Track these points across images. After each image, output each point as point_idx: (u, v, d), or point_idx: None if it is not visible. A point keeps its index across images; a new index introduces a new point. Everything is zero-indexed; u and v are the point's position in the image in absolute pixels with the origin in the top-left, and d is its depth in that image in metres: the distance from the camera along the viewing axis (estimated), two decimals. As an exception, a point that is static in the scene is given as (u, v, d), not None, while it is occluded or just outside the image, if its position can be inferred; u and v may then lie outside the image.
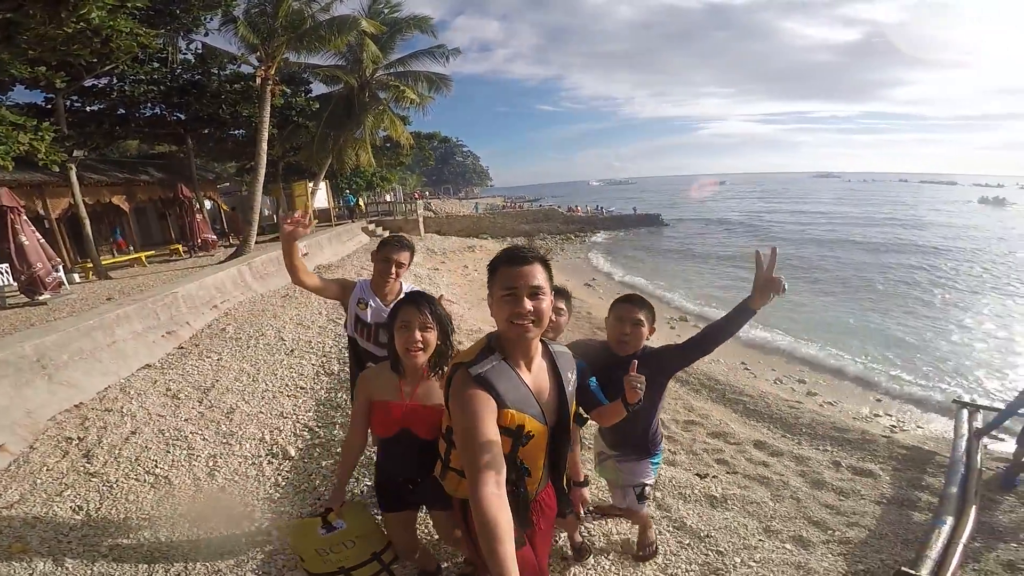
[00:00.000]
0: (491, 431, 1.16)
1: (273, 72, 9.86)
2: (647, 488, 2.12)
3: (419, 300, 1.62)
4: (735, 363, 7.37)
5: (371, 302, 2.23)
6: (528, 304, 1.21)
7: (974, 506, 2.68)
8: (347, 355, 2.70)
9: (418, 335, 1.58)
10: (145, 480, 2.73)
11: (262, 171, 10.33)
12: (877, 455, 4.02)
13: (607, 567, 2.21)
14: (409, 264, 2.27)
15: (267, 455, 2.98)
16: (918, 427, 5.57)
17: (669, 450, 3.63)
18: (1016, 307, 11.53)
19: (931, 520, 2.58)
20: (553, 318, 1.82)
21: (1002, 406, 3.84)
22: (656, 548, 2.34)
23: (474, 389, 1.20)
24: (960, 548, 2.28)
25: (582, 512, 2.02)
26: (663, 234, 27.66)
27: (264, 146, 10.11)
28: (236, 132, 14.61)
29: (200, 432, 3.21)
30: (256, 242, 10.77)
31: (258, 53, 9.99)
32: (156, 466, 2.86)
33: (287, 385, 3.98)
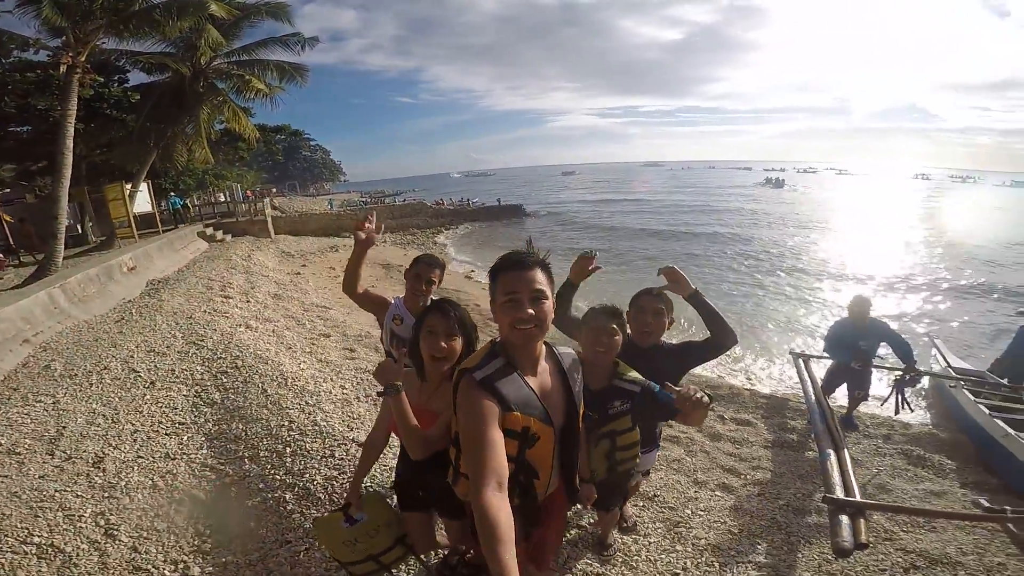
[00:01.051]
0: (494, 435, 1.18)
1: (84, 59, 8.17)
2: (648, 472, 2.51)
3: (446, 308, 1.65)
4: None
5: (405, 318, 2.34)
6: (530, 309, 1.23)
7: (845, 436, 3.35)
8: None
9: (443, 342, 1.61)
10: (27, 552, 2.27)
11: (67, 174, 8.50)
12: (747, 406, 4.99)
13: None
14: (440, 281, 2.38)
15: (172, 503, 2.66)
16: (769, 377, 6.80)
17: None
18: (798, 281, 14.67)
19: (819, 456, 3.04)
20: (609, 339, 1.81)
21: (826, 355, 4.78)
22: (636, 522, 2.68)
23: (478, 393, 1.22)
24: (851, 472, 2.73)
25: (589, 506, 2.14)
26: (524, 224, 28.95)
27: (69, 144, 8.35)
28: (20, 129, 11.76)
29: (69, 488, 2.73)
30: (63, 257, 8.89)
31: (64, 37, 8.21)
32: (31, 535, 2.37)
33: (160, 422, 3.51)
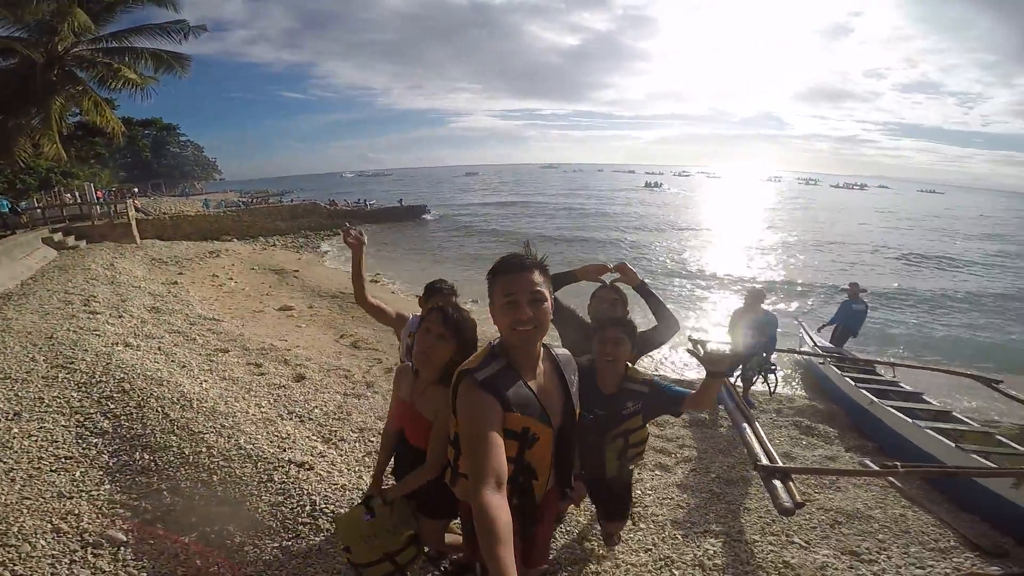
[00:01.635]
0: (494, 435, 1.19)
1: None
2: None
3: (450, 316, 1.70)
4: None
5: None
6: (528, 310, 1.25)
7: (752, 410, 3.87)
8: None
9: (430, 343, 1.69)
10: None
11: None
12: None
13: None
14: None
15: (87, 547, 2.38)
16: (672, 363, 7.62)
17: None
18: (684, 279, 16.78)
19: (736, 430, 3.30)
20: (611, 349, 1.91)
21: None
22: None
23: (479, 394, 1.24)
24: (767, 441, 2.97)
25: (580, 504, 2.28)
26: (428, 228, 28.42)
27: None
28: None
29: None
30: None
31: None
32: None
33: (41, 458, 3.10)
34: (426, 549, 1.99)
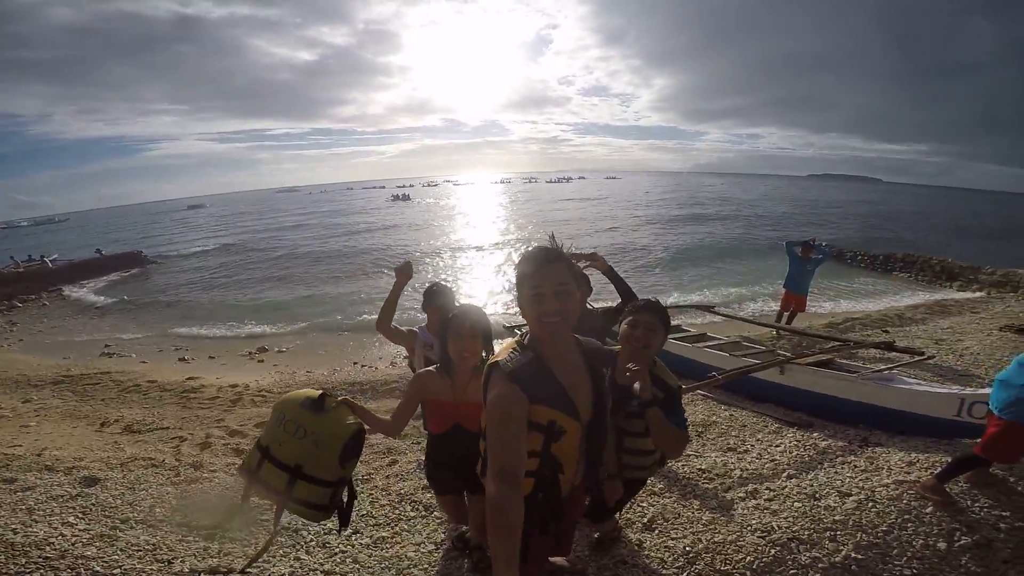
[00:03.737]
0: (516, 428, 1.19)
1: None
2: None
3: (471, 315, 1.87)
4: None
5: (435, 344, 2.60)
6: (555, 303, 1.25)
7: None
8: None
9: (469, 343, 1.85)
10: None
11: None
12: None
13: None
14: (451, 304, 2.65)
15: None
16: None
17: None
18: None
19: None
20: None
21: None
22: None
23: (506, 385, 1.23)
24: None
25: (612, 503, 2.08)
26: (151, 277, 22.82)
27: None
28: None
29: None
30: None
31: None
32: None
33: None
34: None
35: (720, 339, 6.05)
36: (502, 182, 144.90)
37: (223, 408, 5.79)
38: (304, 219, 48.47)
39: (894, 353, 5.44)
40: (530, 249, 1.33)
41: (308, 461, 1.66)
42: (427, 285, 2.81)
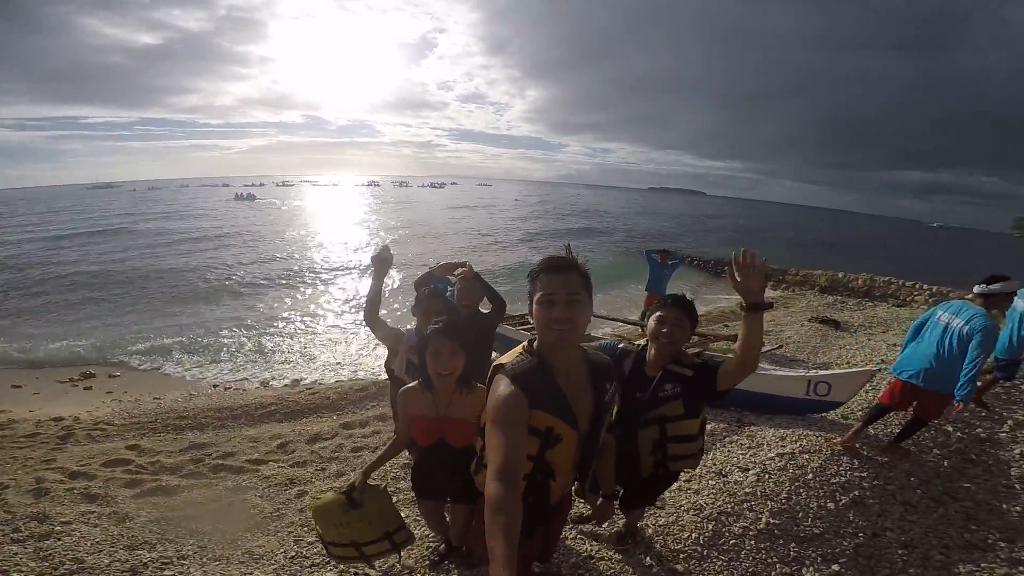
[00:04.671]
0: (516, 429, 1.20)
1: None
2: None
3: (450, 331, 1.83)
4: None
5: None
6: (565, 311, 1.26)
7: None
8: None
9: (447, 362, 1.82)
10: None
11: None
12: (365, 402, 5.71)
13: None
14: (444, 311, 2.57)
15: None
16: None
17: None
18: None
19: None
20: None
21: None
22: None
23: (508, 387, 1.25)
24: None
25: (603, 524, 2.09)
26: None
27: None
28: None
29: None
30: None
31: None
32: None
33: None
34: (401, 553, 2.16)
35: (600, 338, 6.50)
36: (370, 184, 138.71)
37: (50, 446, 4.73)
38: (115, 222, 36.95)
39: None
40: (548, 256, 1.36)
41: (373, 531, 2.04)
42: (423, 289, 2.79)
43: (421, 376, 1.95)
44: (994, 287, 3.25)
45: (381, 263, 2.42)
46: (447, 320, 1.93)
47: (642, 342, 2.07)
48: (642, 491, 2.14)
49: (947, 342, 3.20)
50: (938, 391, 3.20)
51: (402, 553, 2.25)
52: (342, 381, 6.81)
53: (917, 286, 13.53)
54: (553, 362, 1.33)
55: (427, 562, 2.42)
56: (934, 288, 13.25)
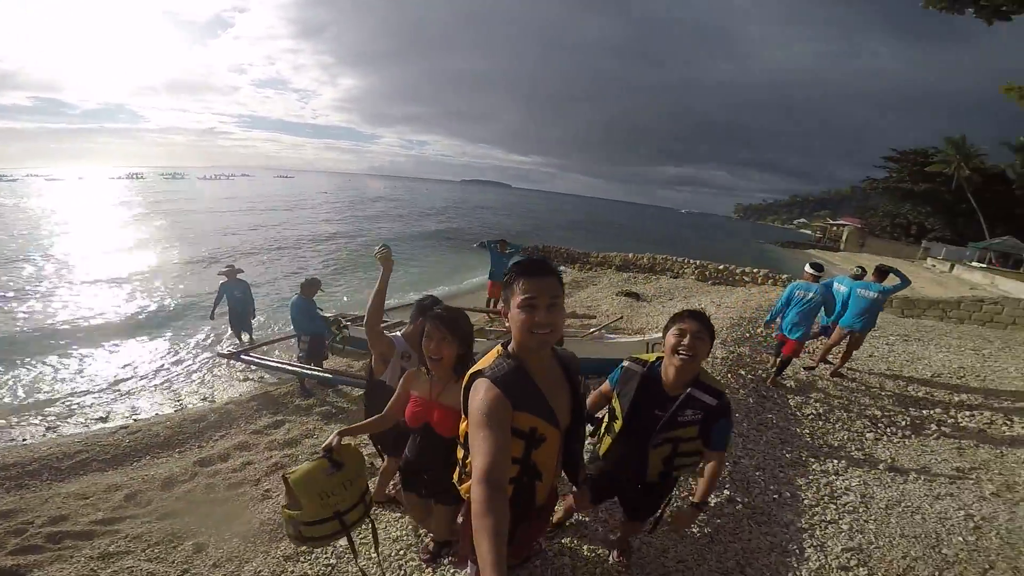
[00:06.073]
0: (500, 433, 1.20)
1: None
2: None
3: (445, 317, 1.87)
4: None
5: (413, 355, 2.44)
6: (547, 315, 1.26)
7: None
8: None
9: (435, 346, 1.85)
10: None
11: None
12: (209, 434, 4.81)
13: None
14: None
15: None
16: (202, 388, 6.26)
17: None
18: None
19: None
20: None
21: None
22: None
23: (490, 391, 1.25)
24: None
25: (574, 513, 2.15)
26: None
27: None
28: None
29: None
30: None
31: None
32: None
33: None
34: (371, 513, 2.00)
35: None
36: (131, 177, 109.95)
37: None
38: None
39: (589, 320, 7.26)
40: (527, 259, 1.36)
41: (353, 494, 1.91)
42: (422, 296, 2.69)
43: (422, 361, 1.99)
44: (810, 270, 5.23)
45: (386, 263, 2.36)
46: (446, 308, 1.99)
47: (653, 357, 1.98)
48: (647, 496, 2.09)
49: (804, 308, 4.90)
50: (799, 339, 4.92)
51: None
52: (163, 415, 5.48)
53: (686, 261, 16.72)
54: (531, 363, 1.35)
55: (418, 560, 2.38)
56: (699, 262, 16.53)
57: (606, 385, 2.05)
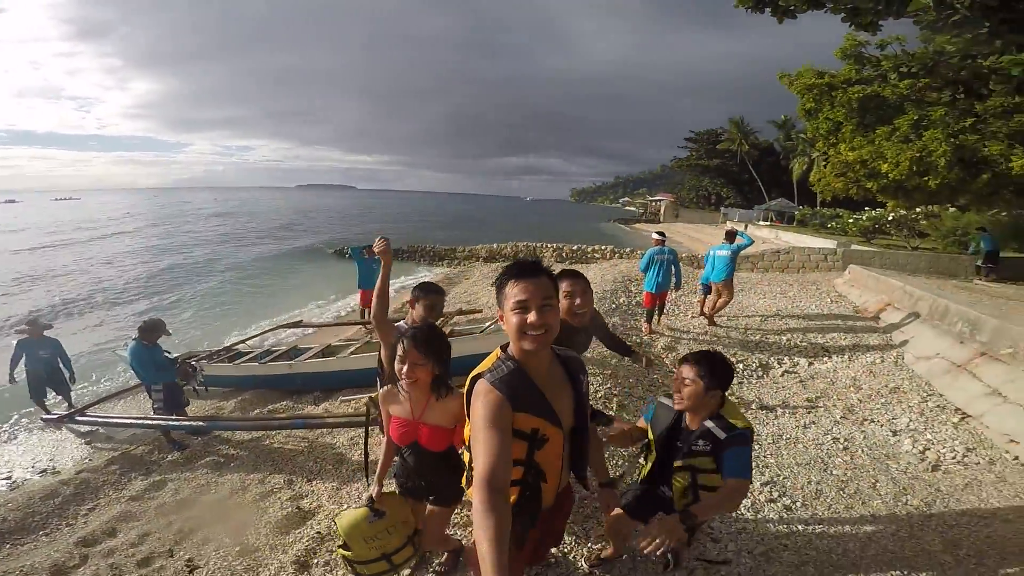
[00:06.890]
0: (502, 436, 1.20)
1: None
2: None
3: (418, 338, 1.83)
4: None
5: None
6: (540, 316, 1.25)
7: None
8: None
9: (407, 369, 1.81)
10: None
11: None
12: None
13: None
14: (441, 306, 2.66)
15: None
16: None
17: None
18: None
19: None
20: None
21: None
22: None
23: (490, 394, 1.25)
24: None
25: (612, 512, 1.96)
26: None
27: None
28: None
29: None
30: None
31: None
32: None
33: None
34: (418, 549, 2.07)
35: (314, 347, 6.67)
36: None
37: None
38: None
39: (475, 314, 7.28)
40: (518, 260, 1.36)
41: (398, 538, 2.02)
42: (421, 280, 2.38)
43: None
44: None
45: (386, 254, 2.34)
46: (419, 328, 1.93)
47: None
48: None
49: (663, 268, 6.43)
50: (662, 293, 6.56)
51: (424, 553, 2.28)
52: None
53: (544, 245, 17.73)
54: (530, 364, 1.34)
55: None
56: (555, 245, 17.62)
57: (642, 421, 2.18)
